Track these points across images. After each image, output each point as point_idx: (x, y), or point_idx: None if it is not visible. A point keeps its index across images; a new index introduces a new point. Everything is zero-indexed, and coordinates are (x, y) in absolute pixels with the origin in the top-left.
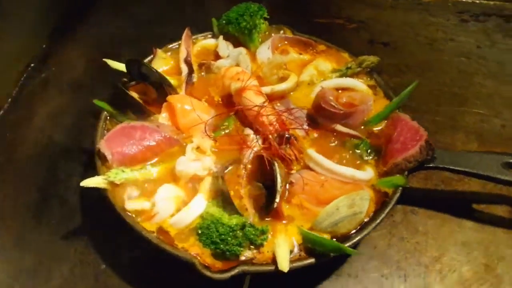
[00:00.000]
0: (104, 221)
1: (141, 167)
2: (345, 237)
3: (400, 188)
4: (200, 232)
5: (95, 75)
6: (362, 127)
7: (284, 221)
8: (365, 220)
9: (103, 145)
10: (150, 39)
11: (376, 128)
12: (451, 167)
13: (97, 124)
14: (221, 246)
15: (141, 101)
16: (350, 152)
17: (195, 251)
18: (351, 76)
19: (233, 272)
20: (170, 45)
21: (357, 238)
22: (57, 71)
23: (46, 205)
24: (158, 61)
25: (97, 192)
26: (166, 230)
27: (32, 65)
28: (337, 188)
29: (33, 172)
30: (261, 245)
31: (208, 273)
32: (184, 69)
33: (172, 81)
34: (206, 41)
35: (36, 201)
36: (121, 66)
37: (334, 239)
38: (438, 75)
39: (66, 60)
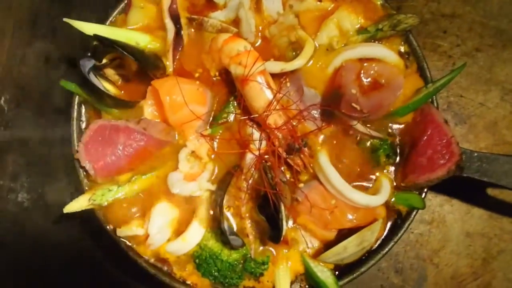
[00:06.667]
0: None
1: (129, 179)
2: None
3: (415, 211)
4: (198, 262)
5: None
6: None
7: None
8: (373, 247)
9: (82, 155)
10: None
11: (400, 123)
12: (476, 177)
13: (71, 115)
14: (220, 280)
15: (117, 90)
16: (368, 154)
17: (194, 280)
18: (381, 39)
19: None
20: None
21: (362, 270)
22: None
23: None
24: (135, 13)
25: None
26: (163, 257)
27: None
28: (347, 218)
29: None
30: (261, 274)
31: None
32: (170, 27)
33: (157, 44)
34: None
35: None
36: (88, 28)
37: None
38: None
39: None
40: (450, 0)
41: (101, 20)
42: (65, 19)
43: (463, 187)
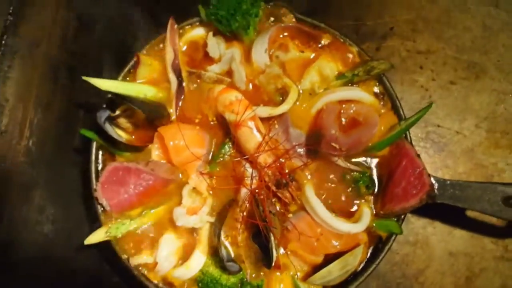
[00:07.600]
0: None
1: (139, 213)
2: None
3: (394, 236)
4: (201, 286)
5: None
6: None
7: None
8: (358, 269)
9: (99, 194)
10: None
11: (378, 157)
12: (450, 203)
13: (90, 158)
14: None
15: (129, 135)
16: (349, 186)
17: None
18: (358, 83)
19: None
20: (153, 42)
21: None
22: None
23: None
24: (144, 69)
25: None
26: (170, 281)
27: None
28: (332, 244)
29: None
30: None
31: None
32: (173, 80)
33: (162, 94)
34: (194, 33)
35: None
36: (103, 84)
37: None
38: (459, 34)
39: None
40: (425, 38)
41: (115, 71)
42: (84, 77)
43: (444, 210)
